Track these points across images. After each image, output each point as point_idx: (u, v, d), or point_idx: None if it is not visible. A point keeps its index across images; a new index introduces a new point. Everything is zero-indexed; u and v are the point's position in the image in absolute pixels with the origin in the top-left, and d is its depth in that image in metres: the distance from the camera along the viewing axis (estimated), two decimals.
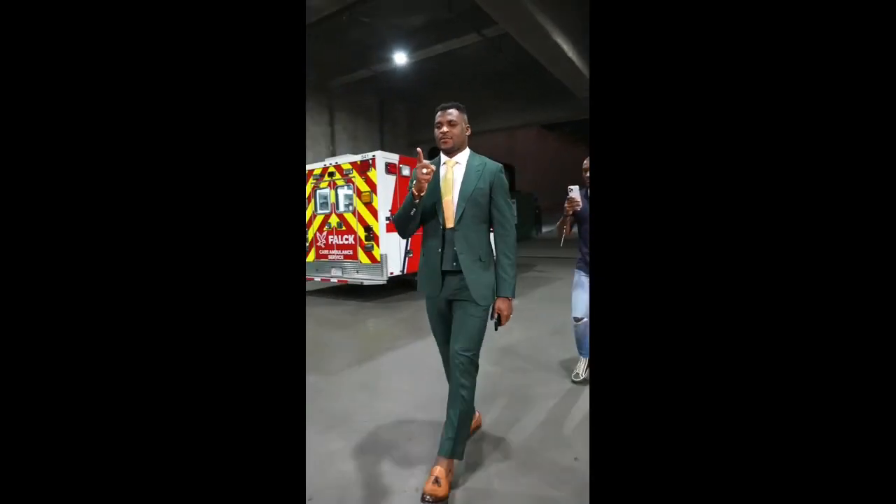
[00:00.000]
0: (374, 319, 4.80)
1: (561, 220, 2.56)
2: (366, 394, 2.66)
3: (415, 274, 6.67)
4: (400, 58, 11.03)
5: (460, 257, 1.73)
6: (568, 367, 2.97)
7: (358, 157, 5.66)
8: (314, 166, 6.10)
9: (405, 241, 5.96)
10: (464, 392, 1.69)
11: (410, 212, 1.71)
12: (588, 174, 2.54)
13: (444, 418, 1.72)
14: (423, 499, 1.59)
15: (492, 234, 1.81)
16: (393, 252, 5.63)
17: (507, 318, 1.79)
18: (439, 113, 1.76)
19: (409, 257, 6.18)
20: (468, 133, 1.81)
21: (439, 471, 1.64)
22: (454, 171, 1.79)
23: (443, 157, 1.82)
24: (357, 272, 5.72)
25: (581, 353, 2.80)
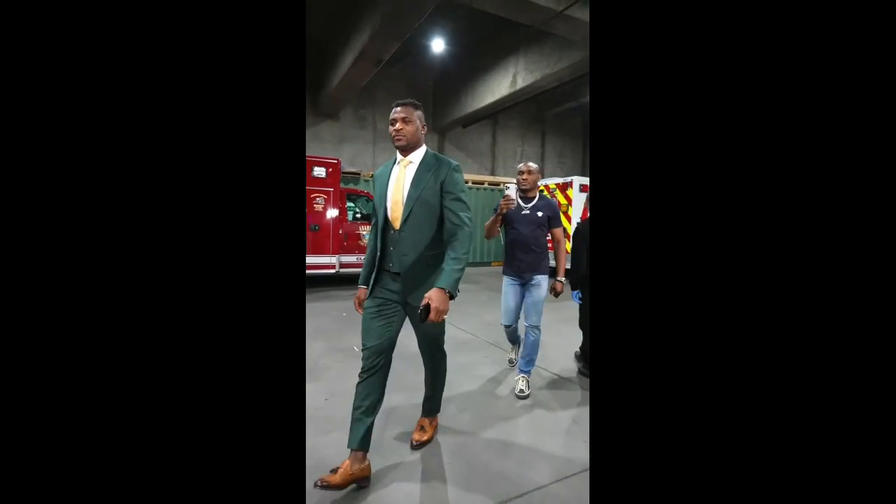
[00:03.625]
0: None
1: (493, 217, 2.59)
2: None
3: None
4: None
5: (403, 259, 1.70)
6: None
7: (561, 180, 8.32)
8: None
9: None
10: (433, 366, 1.99)
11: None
12: (523, 176, 2.67)
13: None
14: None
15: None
16: None
17: (439, 311, 1.51)
18: (395, 109, 1.71)
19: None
20: (423, 132, 1.76)
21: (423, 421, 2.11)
22: (406, 170, 1.74)
23: (398, 156, 1.78)
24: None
25: (519, 365, 2.78)
